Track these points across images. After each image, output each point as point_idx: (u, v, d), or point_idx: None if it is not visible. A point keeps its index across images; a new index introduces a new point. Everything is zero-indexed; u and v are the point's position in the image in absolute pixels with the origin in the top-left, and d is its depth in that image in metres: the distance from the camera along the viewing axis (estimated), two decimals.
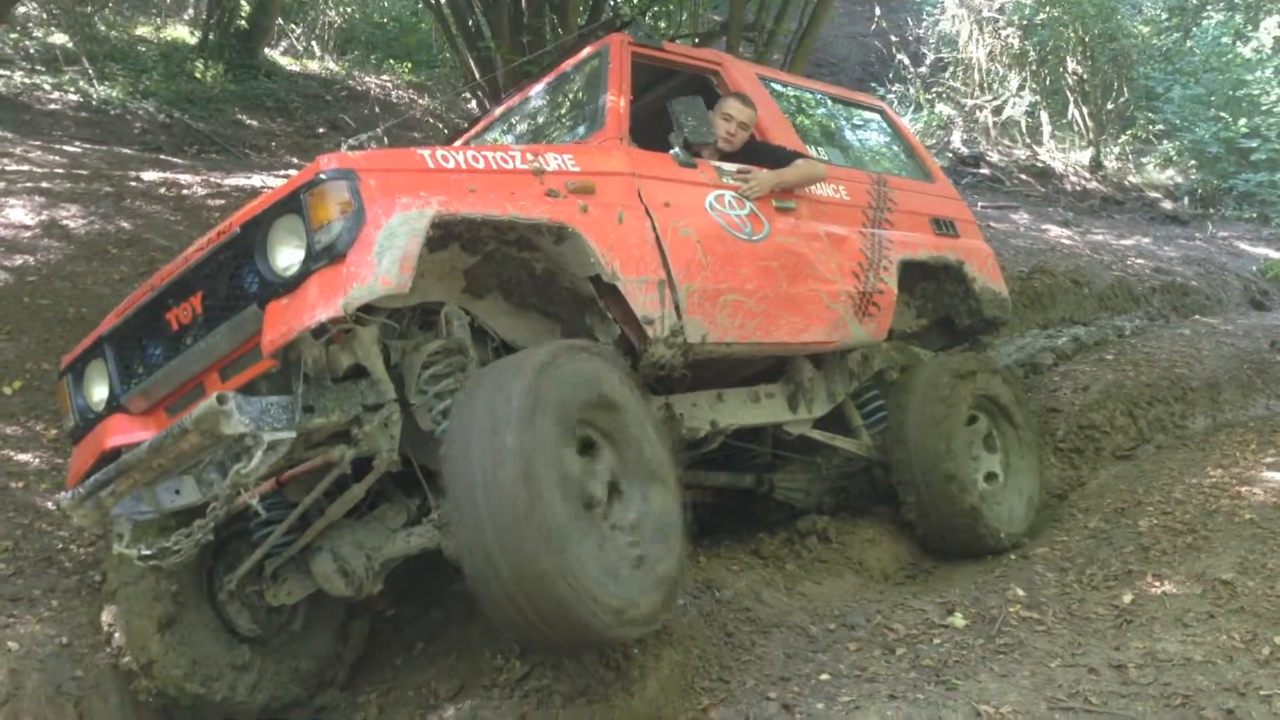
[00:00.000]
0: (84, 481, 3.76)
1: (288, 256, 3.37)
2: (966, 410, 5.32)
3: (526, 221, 3.72)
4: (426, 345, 3.68)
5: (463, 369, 3.71)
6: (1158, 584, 4.33)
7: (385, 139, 10.68)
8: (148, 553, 3.73)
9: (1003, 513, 5.29)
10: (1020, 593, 4.47)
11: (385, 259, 3.24)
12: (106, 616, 4.10)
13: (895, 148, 6.42)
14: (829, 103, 6.43)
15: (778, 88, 5.79)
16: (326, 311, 3.19)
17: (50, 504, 4.91)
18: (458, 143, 5.67)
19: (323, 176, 3.36)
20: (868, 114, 6.54)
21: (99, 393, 4.03)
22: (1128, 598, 4.24)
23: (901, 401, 5.26)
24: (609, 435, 3.58)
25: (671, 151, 4.60)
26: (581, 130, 4.70)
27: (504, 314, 4.12)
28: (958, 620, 4.18)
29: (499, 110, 5.67)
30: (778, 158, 5.01)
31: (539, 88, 5.41)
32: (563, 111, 5.22)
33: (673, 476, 3.70)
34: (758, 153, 5.03)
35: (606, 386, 3.57)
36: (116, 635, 4.06)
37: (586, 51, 5.04)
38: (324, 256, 3.26)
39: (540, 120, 5.33)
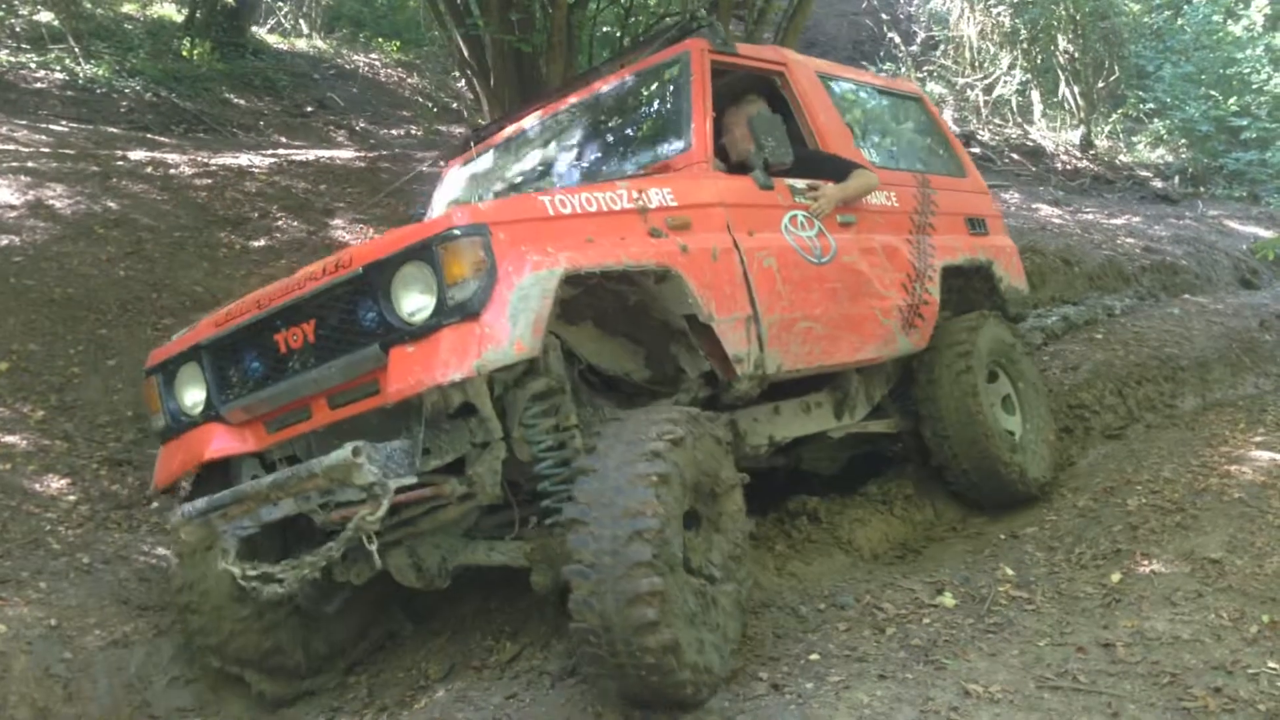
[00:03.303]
0: (194, 500, 3.81)
1: (413, 303, 3.37)
2: (987, 365, 5.41)
3: (637, 268, 3.75)
4: (531, 384, 3.63)
5: (561, 405, 3.70)
6: (1146, 563, 4.34)
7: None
8: (253, 574, 3.76)
9: (1031, 459, 5.45)
10: (1009, 572, 4.48)
11: (520, 322, 3.27)
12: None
13: (932, 140, 6.32)
14: (876, 95, 6.28)
15: (836, 87, 5.66)
16: (460, 371, 3.21)
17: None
18: (498, 134, 5.55)
19: (457, 232, 3.35)
20: (907, 103, 6.41)
21: (192, 397, 4.03)
22: (1116, 577, 4.26)
23: (930, 370, 5.33)
24: (709, 516, 3.65)
25: (753, 174, 4.57)
26: (663, 149, 4.58)
27: (592, 339, 4.12)
28: (947, 600, 4.18)
29: (546, 109, 5.37)
30: (838, 169, 4.96)
31: (603, 89, 5.11)
32: (636, 122, 5.04)
33: (747, 553, 3.79)
34: (820, 164, 4.96)
35: (722, 471, 3.66)
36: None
37: (662, 57, 4.85)
38: (456, 313, 3.28)
39: (604, 128, 5.11)
